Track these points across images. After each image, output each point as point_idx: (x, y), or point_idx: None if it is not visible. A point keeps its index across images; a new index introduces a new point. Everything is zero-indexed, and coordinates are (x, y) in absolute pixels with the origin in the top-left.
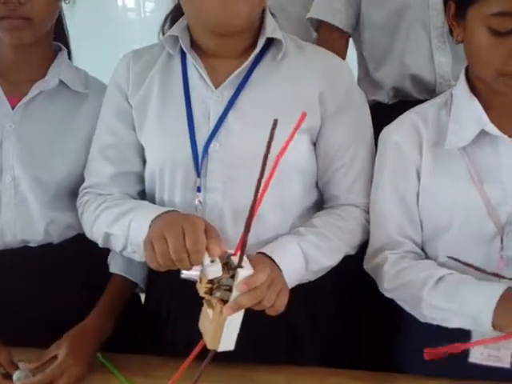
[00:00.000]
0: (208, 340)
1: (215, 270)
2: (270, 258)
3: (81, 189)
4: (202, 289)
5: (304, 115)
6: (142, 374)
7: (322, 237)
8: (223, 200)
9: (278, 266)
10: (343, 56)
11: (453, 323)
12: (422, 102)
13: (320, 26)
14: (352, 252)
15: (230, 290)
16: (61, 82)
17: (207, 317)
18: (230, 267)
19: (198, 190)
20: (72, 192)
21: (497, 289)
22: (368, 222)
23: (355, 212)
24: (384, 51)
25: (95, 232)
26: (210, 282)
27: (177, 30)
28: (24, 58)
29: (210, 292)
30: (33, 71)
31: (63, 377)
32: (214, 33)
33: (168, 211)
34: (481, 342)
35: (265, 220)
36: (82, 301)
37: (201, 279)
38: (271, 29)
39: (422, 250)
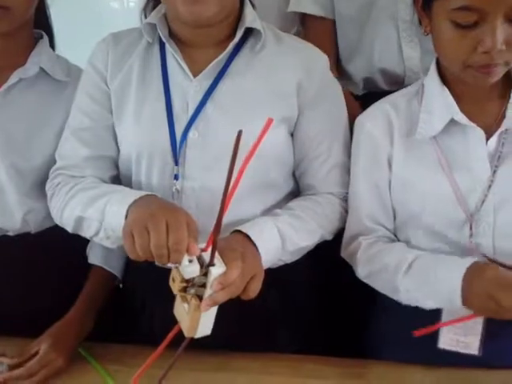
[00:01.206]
0: (185, 329)
1: (193, 271)
2: (246, 235)
3: (51, 171)
4: (176, 287)
5: (270, 121)
6: (118, 362)
7: (298, 218)
8: (201, 188)
9: (254, 243)
10: (331, 43)
11: (430, 305)
12: (392, 92)
13: (303, 17)
14: (328, 237)
15: (203, 286)
16: (41, 69)
17: (182, 308)
18: (202, 264)
19: (176, 177)
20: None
21: (462, 265)
22: (345, 210)
23: (332, 199)
24: (354, 44)
25: (66, 216)
26: (185, 280)
27: (155, 18)
28: (3, 46)
29: (185, 290)
30: (13, 58)
31: (43, 370)
32: (190, 25)
33: (147, 195)
34: (447, 323)
35: (241, 208)
36: (60, 291)
37: (173, 278)
38: (250, 19)
39: (395, 235)
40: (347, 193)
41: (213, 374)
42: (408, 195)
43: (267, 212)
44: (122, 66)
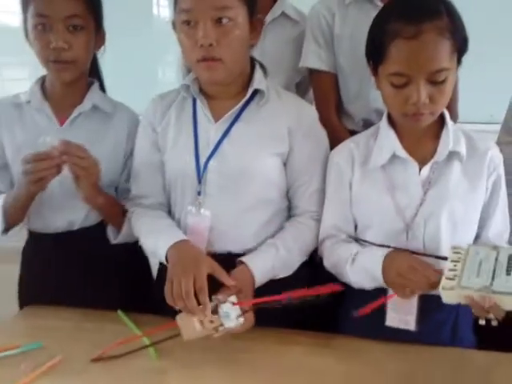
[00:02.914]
0: (184, 334)
1: (230, 320)
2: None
3: (132, 196)
4: (206, 328)
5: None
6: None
7: (287, 253)
8: (217, 202)
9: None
10: (334, 92)
11: (368, 285)
12: None
13: (310, 71)
14: (306, 258)
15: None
16: (94, 105)
17: (192, 324)
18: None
19: (199, 193)
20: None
21: (382, 254)
22: (318, 230)
23: (311, 225)
24: (354, 91)
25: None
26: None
27: (189, 79)
28: (68, 91)
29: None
30: (74, 99)
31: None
32: (208, 84)
33: (181, 241)
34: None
35: (246, 219)
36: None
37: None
38: (258, 81)
39: (358, 238)
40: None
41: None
42: (362, 209)
43: (266, 223)
44: (164, 115)
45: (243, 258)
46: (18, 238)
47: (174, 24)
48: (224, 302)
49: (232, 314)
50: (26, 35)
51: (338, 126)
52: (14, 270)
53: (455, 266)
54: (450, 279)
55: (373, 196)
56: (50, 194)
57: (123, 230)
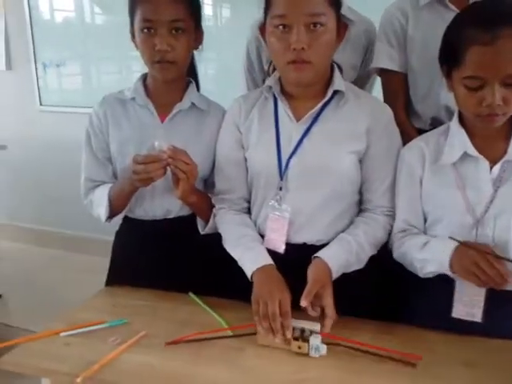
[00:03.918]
0: (260, 338)
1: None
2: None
3: (216, 191)
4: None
5: None
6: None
7: (359, 248)
8: (296, 195)
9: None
10: (403, 91)
11: (431, 268)
12: None
13: (381, 71)
14: (375, 252)
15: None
16: (192, 103)
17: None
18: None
19: (280, 189)
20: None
21: (456, 243)
22: (391, 225)
23: (382, 221)
24: (424, 91)
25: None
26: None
27: (271, 81)
28: (169, 89)
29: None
30: (174, 97)
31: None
32: (294, 85)
33: (266, 265)
34: None
35: (326, 209)
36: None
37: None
38: (338, 83)
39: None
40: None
41: None
42: (433, 205)
43: (339, 216)
44: (248, 115)
45: (321, 254)
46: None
47: (132, 34)
48: (311, 332)
49: (320, 348)
50: (133, 36)
51: (407, 124)
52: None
53: None
54: None
55: (443, 192)
56: (152, 185)
57: (210, 224)
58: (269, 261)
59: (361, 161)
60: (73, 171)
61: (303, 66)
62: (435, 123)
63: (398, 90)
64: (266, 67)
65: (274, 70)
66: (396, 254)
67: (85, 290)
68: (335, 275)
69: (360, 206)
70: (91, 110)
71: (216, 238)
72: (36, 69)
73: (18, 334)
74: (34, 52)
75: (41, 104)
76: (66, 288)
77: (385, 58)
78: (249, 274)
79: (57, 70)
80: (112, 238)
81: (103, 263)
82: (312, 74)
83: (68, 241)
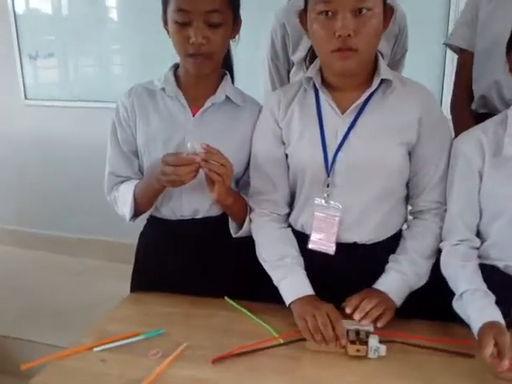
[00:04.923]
0: (311, 344)
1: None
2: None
3: (253, 191)
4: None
5: None
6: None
7: (413, 266)
8: (344, 191)
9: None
10: (470, 71)
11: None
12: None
13: (458, 49)
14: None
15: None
16: (226, 97)
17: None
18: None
19: (327, 185)
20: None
21: (487, 315)
22: (440, 228)
23: (433, 227)
24: (480, 70)
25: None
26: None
27: (311, 72)
28: (202, 82)
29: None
30: (207, 90)
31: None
32: (338, 75)
33: (307, 296)
34: None
35: (376, 205)
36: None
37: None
38: (384, 71)
39: (478, 233)
40: (444, 205)
41: None
42: (493, 200)
43: (389, 213)
44: (287, 109)
45: (382, 288)
46: None
47: (165, 21)
48: (366, 333)
49: (380, 349)
50: (165, 24)
51: (466, 110)
52: None
53: None
54: None
55: (505, 186)
56: None
57: (244, 228)
58: (309, 291)
59: (410, 153)
60: (59, 168)
61: (349, 54)
62: (485, 103)
63: (466, 69)
64: (291, 57)
65: (312, 60)
66: (442, 268)
67: (74, 292)
68: (399, 304)
69: (407, 202)
70: (74, 103)
71: (248, 240)
72: (21, 61)
73: (6, 343)
74: (19, 44)
75: (26, 98)
76: (54, 291)
77: (460, 37)
78: (287, 301)
79: (41, 63)
80: (97, 237)
81: (89, 264)
82: (358, 63)
83: (51, 242)
